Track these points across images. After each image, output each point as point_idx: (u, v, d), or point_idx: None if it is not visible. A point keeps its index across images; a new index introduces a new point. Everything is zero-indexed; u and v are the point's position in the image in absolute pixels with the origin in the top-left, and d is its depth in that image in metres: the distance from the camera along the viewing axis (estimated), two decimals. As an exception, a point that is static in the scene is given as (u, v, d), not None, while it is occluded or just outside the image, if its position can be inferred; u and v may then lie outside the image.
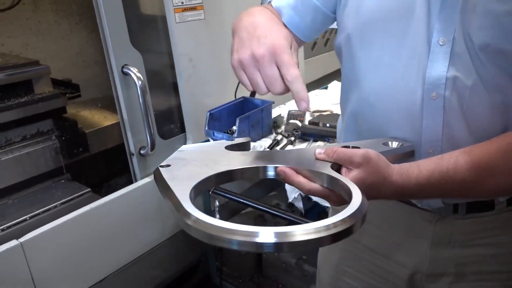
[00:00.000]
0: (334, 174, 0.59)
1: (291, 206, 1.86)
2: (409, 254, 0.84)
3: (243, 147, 0.71)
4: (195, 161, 0.63)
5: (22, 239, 1.28)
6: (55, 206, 1.61)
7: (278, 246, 0.44)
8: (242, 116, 1.60)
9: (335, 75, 2.54)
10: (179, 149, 0.69)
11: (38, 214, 1.56)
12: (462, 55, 0.65)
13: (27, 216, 1.53)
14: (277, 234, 0.44)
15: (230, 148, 0.70)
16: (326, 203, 1.36)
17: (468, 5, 0.63)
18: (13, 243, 1.26)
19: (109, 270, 1.56)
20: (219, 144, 0.70)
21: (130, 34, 1.50)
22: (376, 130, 0.76)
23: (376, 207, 0.84)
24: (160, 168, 0.61)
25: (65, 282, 1.43)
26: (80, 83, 2.11)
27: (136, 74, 1.49)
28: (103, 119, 1.99)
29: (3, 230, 1.46)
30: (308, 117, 1.83)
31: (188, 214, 0.49)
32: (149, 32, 1.68)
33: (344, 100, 0.85)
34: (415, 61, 0.68)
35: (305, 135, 1.66)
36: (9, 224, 1.48)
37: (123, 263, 1.60)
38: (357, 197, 0.52)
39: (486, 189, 0.64)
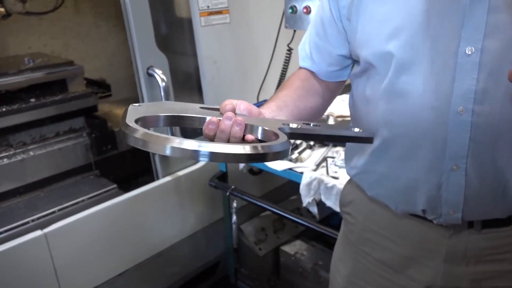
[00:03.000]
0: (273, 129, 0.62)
1: (309, 211, 1.85)
2: (422, 269, 0.81)
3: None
4: (165, 106, 0.68)
5: (46, 230, 1.36)
6: (83, 201, 1.70)
7: (196, 153, 0.52)
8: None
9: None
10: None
11: (66, 207, 1.65)
12: (492, 64, 0.63)
13: (56, 208, 1.62)
14: (201, 144, 0.52)
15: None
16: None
17: (500, 9, 0.61)
18: (37, 233, 1.34)
19: (129, 264, 1.62)
20: (197, 104, 0.71)
21: (156, 36, 1.55)
22: (393, 143, 0.74)
23: (389, 221, 0.83)
24: (131, 105, 0.65)
25: (86, 273, 1.50)
26: (115, 83, 2.20)
27: (160, 75, 1.54)
28: (133, 119, 2.06)
29: (33, 220, 1.56)
30: (331, 122, 1.81)
31: (126, 125, 0.57)
32: (175, 35, 1.73)
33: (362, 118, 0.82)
34: (442, 73, 0.66)
35: (326, 140, 1.64)
36: (39, 215, 1.57)
37: (143, 258, 1.65)
38: (282, 137, 0.58)
39: None
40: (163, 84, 1.54)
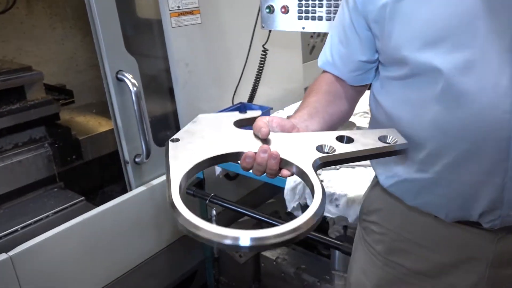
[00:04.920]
0: (306, 168, 0.63)
1: (289, 213, 1.82)
2: (465, 275, 0.80)
3: (254, 121, 0.72)
4: (201, 138, 0.69)
5: (11, 253, 1.24)
6: (47, 216, 1.57)
7: (253, 248, 0.52)
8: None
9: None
10: (194, 120, 0.74)
11: (30, 224, 1.52)
12: None
13: (18, 226, 1.48)
14: (253, 239, 0.52)
15: (240, 123, 0.74)
16: (326, 213, 1.33)
17: None
18: (2, 256, 1.22)
19: (104, 281, 1.51)
20: (232, 116, 0.75)
21: (125, 39, 1.46)
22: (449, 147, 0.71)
23: (430, 230, 0.80)
24: (170, 142, 0.68)
25: (57, 296, 1.38)
26: (74, 88, 2.07)
27: (130, 80, 1.45)
28: (98, 126, 1.95)
29: (-6, 241, 1.43)
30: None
31: (173, 206, 0.59)
32: (144, 37, 1.64)
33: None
34: (500, 69, 0.64)
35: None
36: (0, 235, 1.44)
37: (118, 274, 1.56)
38: (317, 197, 0.57)
39: None
40: (134, 89, 1.45)
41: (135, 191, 1.58)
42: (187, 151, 0.66)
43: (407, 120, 0.76)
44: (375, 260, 0.90)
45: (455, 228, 0.77)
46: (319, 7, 1.35)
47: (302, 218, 0.54)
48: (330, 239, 1.39)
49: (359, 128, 1.60)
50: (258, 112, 0.75)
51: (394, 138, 0.69)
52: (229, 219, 1.84)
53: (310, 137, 0.70)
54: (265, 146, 0.64)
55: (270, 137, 0.68)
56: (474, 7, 0.64)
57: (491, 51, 0.64)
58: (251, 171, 0.66)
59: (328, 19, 1.35)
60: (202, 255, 1.85)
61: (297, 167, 0.63)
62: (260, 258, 1.77)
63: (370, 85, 0.90)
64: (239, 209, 1.55)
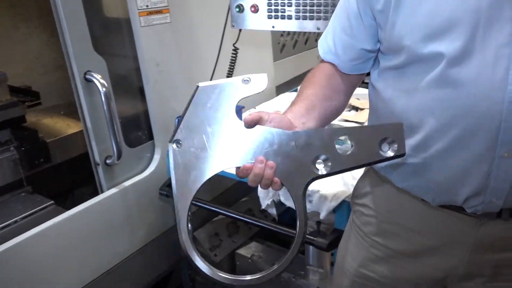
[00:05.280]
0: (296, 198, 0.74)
1: (263, 211, 1.84)
2: (446, 258, 0.84)
3: (260, 84, 0.72)
4: (202, 140, 0.70)
5: (-22, 260, 1.20)
6: (15, 222, 1.53)
7: None
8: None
9: (303, 76, 2.53)
10: (194, 96, 0.71)
11: (-3, 230, 1.47)
12: None
13: (-15, 233, 1.44)
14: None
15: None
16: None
17: None
18: (-31, 264, 1.18)
19: (77, 286, 1.48)
20: (234, 95, 0.71)
21: (93, 38, 1.43)
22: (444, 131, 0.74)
23: (418, 213, 0.84)
24: (172, 147, 0.69)
25: (28, 302, 1.35)
26: (40, 90, 2.01)
27: (99, 80, 1.43)
28: (66, 127, 1.90)
29: (-42, 249, 1.37)
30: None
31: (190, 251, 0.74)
32: (113, 36, 1.61)
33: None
34: (496, 62, 0.67)
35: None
36: (-35, 242, 1.39)
37: (91, 278, 1.53)
38: (298, 237, 0.74)
39: None
40: (104, 89, 1.43)
41: (107, 193, 1.55)
42: (191, 164, 0.70)
43: (403, 106, 0.78)
44: (362, 242, 0.94)
45: (440, 212, 0.81)
46: (288, 6, 1.36)
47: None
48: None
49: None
50: (263, 75, 0.72)
51: (395, 143, 0.70)
52: (203, 218, 1.83)
53: (309, 141, 0.71)
54: (261, 157, 0.70)
55: (270, 139, 0.71)
56: (477, 1, 0.66)
57: (489, 44, 0.66)
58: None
59: (297, 18, 1.36)
60: (177, 256, 1.84)
61: (289, 192, 0.73)
62: (235, 256, 1.78)
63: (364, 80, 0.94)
64: (214, 208, 1.55)
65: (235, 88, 0.71)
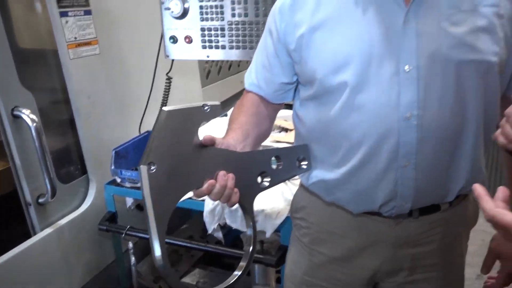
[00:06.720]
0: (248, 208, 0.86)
1: (204, 236, 1.85)
2: (371, 257, 0.95)
3: (216, 111, 0.78)
4: (172, 163, 0.72)
5: None
6: None
7: None
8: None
9: (230, 101, 2.61)
10: (161, 121, 0.72)
11: None
12: (426, 77, 0.78)
13: None
14: None
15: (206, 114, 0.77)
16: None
17: (425, 32, 0.77)
18: None
19: None
20: (198, 118, 0.76)
21: (19, 72, 1.37)
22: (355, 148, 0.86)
23: (344, 220, 0.95)
24: (146, 170, 0.69)
25: None
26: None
27: (29, 116, 1.36)
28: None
29: None
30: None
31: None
32: (41, 69, 1.55)
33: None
34: (389, 89, 0.79)
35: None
36: None
37: (26, 329, 1.41)
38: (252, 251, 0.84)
39: None
40: (34, 125, 1.36)
41: (40, 235, 1.46)
42: (164, 187, 0.71)
43: (321, 131, 0.91)
44: (303, 252, 1.04)
45: (362, 218, 0.93)
46: (221, 36, 1.43)
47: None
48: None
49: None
50: (216, 102, 0.79)
51: (305, 160, 0.93)
52: (144, 249, 1.79)
53: (253, 159, 0.85)
54: (223, 171, 0.77)
55: (226, 158, 0.80)
56: (369, 40, 0.80)
57: (383, 73, 0.80)
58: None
59: (231, 47, 1.44)
60: (117, 291, 1.77)
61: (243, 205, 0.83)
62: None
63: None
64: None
65: (198, 113, 0.76)
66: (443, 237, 0.94)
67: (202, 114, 0.76)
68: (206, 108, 0.76)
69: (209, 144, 0.77)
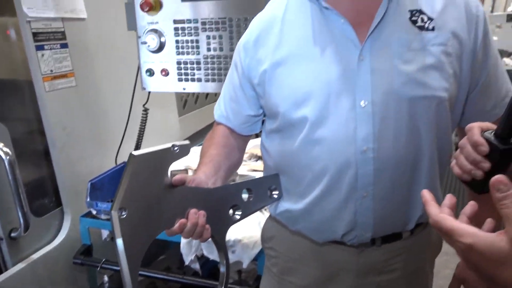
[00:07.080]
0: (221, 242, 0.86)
1: (181, 267, 1.83)
2: (339, 285, 0.96)
3: (185, 150, 0.79)
4: (145, 206, 0.73)
5: None
6: None
7: None
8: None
9: (207, 129, 2.63)
10: (131, 166, 0.72)
11: None
12: (381, 111, 0.81)
13: None
14: None
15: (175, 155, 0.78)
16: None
17: (378, 69, 0.81)
18: None
19: None
20: (168, 152, 0.77)
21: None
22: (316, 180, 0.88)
23: (310, 250, 0.96)
24: (118, 216, 0.69)
25: None
26: None
27: (2, 149, 1.35)
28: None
29: None
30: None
31: None
32: (14, 101, 1.54)
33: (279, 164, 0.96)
34: (346, 123, 0.82)
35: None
36: None
37: None
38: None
39: None
40: (8, 157, 1.35)
41: (13, 270, 1.42)
42: (136, 230, 0.72)
43: (285, 163, 0.93)
44: (273, 281, 1.04)
45: (327, 247, 0.95)
46: (197, 70, 1.47)
47: None
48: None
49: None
50: (186, 142, 0.80)
51: (276, 189, 0.95)
52: (120, 283, 1.75)
53: (224, 193, 0.87)
54: (194, 209, 0.78)
55: (196, 195, 0.81)
56: (327, 77, 0.83)
57: (341, 108, 0.83)
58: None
59: (207, 80, 1.47)
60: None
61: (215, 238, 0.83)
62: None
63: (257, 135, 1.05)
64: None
65: (168, 154, 0.77)
66: (405, 265, 0.95)
67: (171, 155, 0.77)
68: (175, 148, 0.77)
69: (179, 184, 0.78)
